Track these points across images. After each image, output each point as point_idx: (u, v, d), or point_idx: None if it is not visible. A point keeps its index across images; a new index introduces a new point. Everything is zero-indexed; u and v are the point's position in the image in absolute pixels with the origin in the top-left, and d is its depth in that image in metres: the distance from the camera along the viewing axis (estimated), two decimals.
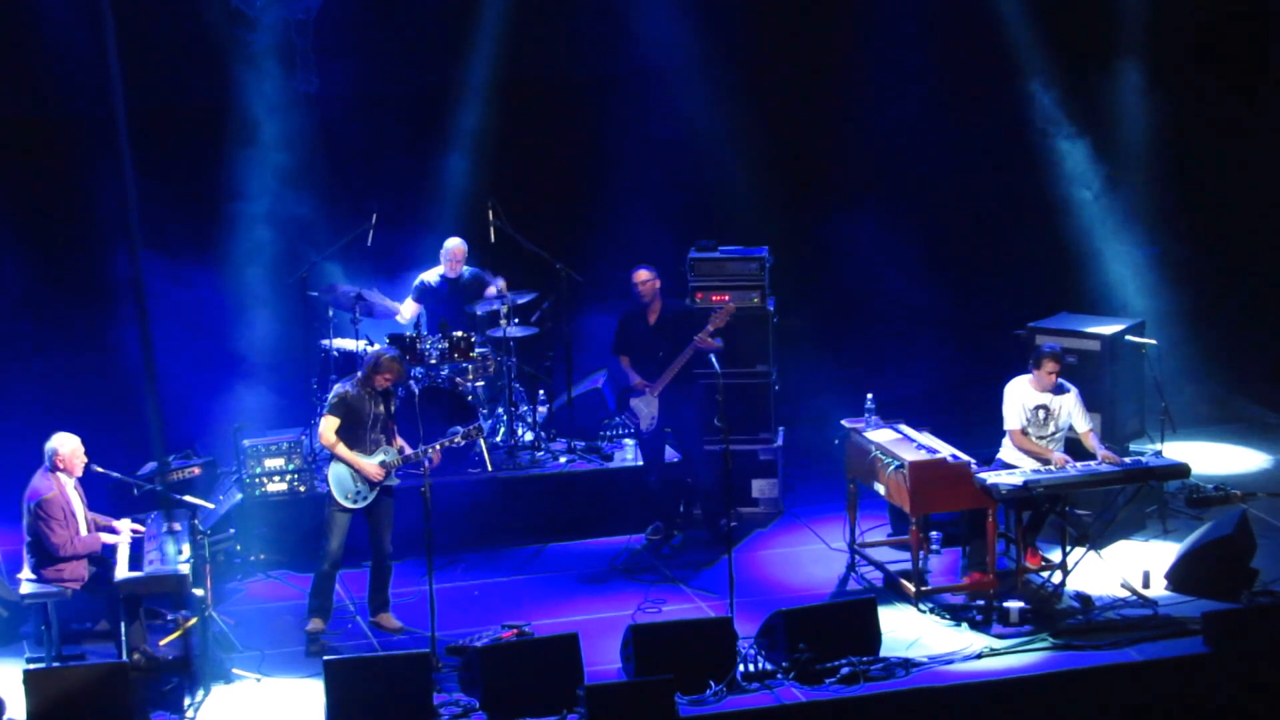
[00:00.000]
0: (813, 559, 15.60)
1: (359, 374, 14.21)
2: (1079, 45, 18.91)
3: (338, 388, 14.25)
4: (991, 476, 14.25)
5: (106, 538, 13.79)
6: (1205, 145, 19.19)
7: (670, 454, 16.19)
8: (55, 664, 13.35)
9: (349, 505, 14.13)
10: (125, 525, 14.01)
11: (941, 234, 19.31)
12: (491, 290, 16.64)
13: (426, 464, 14.10)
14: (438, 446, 14.42)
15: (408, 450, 14.29)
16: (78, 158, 17.15)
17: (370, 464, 14.09)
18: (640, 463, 16.24)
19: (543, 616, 14.41)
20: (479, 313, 16.75)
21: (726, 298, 16.42)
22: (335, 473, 14.16)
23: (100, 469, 13.89)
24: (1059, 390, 14.76)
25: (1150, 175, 19.16)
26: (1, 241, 17.11)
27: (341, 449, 14.07)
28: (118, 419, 16.53)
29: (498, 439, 16.69)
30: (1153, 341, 16.46)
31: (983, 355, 18.17)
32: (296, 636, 14.20)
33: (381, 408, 14.19)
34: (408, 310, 16.78)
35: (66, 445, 13.66)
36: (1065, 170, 18.82)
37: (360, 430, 14.12)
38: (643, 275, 15.74)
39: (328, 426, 14.11)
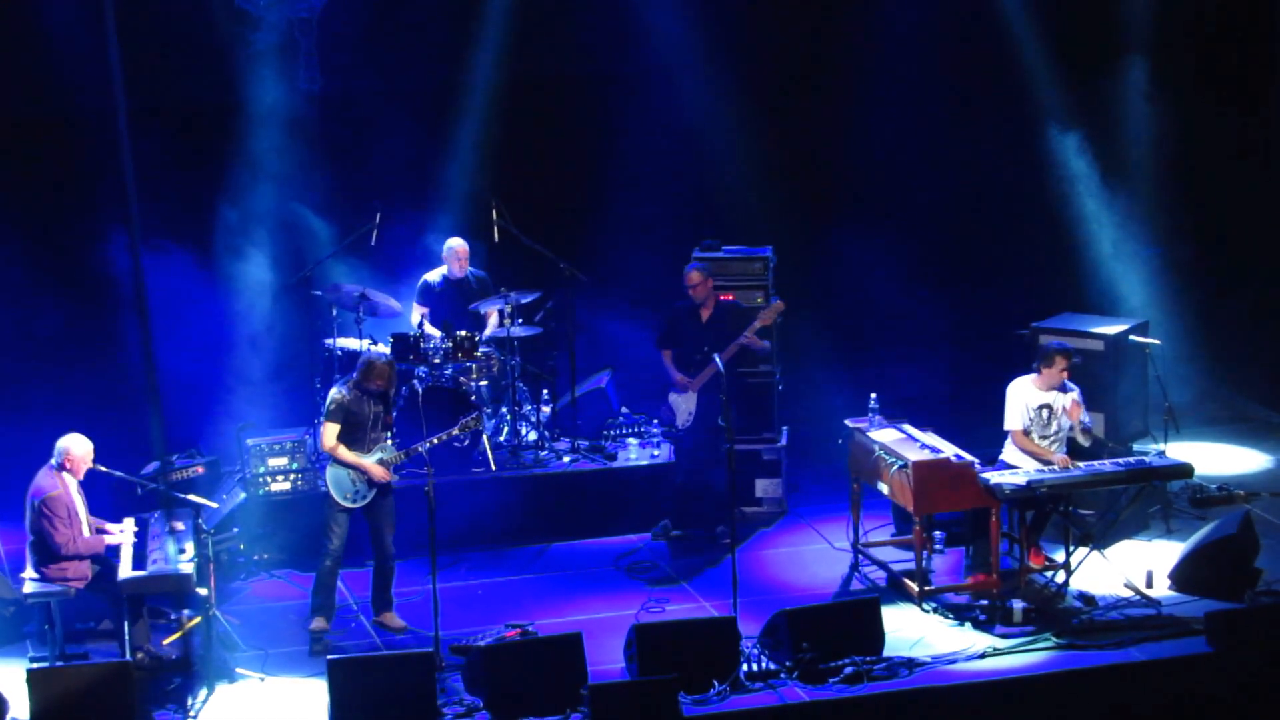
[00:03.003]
0: (816, 558, 15.60)
1: (352, 376, 14.23)
2: (1082, 46, 18.91)
3: (333, 393, 14.26)
4: (995, 476, 14.26)
5: (110, 539, 13.79)
6: (1208, 145, 19.18)
7: (670, 454, 16.21)
8: (58, 663, 13.36)
9: (348, 505, 14.15)
10: (128, 524, 14.03)
11: (945, 234, 19.29)
12: (493, 316, 16.67)
13: (424, 451, 14.13)
14: (436, 440, 14.43)
15: (406, 447, 14.31)
16: (80, 157, 17.14)
17: (375, 466, 14.10)
18: (643, 462, 16.26)
19: (546, 616, 14.41)
20: (482, 312, 16.77)
21: (731, 296, 16.42)
22: (333, 473, 14.17)
23: (104, 468, 13.90)
24: (1063, 390, 14.76)
25: (1154, 175, 19.15)
26: (3, 240, 17.10)
27: (344, 453, 14.08)
28: (121, 418, 16.52)
29: (501, 438, 16.70)
30: (1156, 341, 16.48)
31: (986, 355, 18.15)
32: (300, 636, 14.21)
33: (380, 406, 14.20)
34: (415, 316, 16.78)
35: (80, 447, 13.68)
36: (1069, 170, 18.81)
37: (360, 431, 14.14)
38: (694, 278, 15.67)
39: (328, 433, 14.13)
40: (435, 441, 14.45)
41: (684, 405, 15.69)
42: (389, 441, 14.28)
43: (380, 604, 14.44)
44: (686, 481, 15.91)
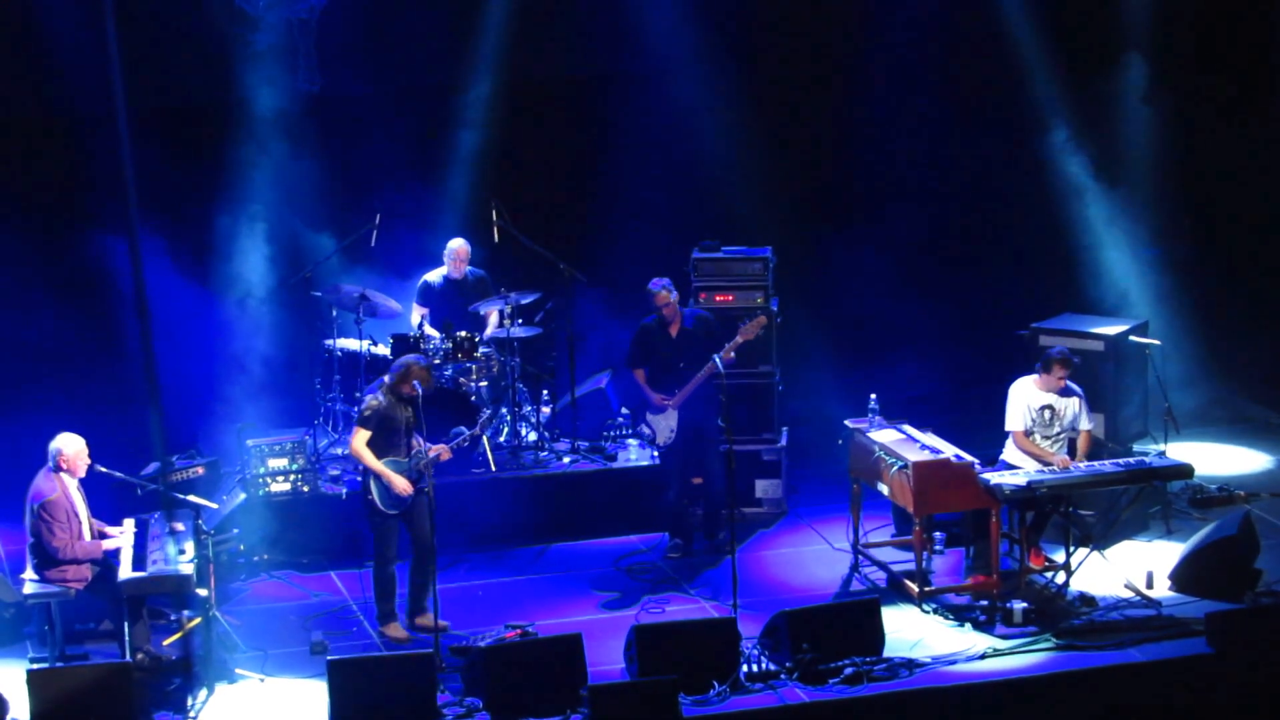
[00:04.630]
0: (816, 559, 15.59)
1: (386, 381, 14.13)
2: (1082, 46, 18.90)
3: (369, 399, 14.15)
4: (995, 477, 14.25)
5: (109, 544, 13.77)
6: (1208, 145, 19.18)
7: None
8: (58, 664, 13.36)
9: (392, 512, 14.06)
10: (128, 525, 14.02)
11: (945, 234, 19.29)
12: (493, 316, 16.68)
13: (429, 456, 14.11)
14: (463, 441, 14.64)
15: (432, 450, 14.26)
16: (80, 157, 17.14)
17: (397, 477, 14.00)
18: (643, 463, 16.26)
19: (546, 616, 14.40)
20: (482, 312, 16.77)
21: (730, 298, 16.41)
22: (379, 482, 14.07)
23: (104, 469, 13.89)
24: (1065, 393, 14.75)
25: (1153, 176, 19.13)
26: (9, 238, 17.09)
27: (371, 460, 13.98)
28: (121, 419, 16.50)
29: (501, 439, 16.68)
30: (1156, 342, 16.48)
31: (986, 355, 18.14)
32: (300, 636, 14.19)
33: (410, 411, 14.13)
34: (415, 317, 16.78)
35: (71, 446, 13.65)
36: (1068, 171, 18.79)
37: (395, 438, 14.04)
38: (663, 297, 15.35)
39: (358, 438, 14.04)
40: (464, 442, 14.65)
41: (664, 424, 15.51)
42: (419, 446, 14.20)
43: (417, 605, 14.35)
44: (680, 496, 15.75)
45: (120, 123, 14.80)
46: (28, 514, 13.58)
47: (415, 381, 13.99)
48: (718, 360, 14.89)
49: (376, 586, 14.23)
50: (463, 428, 15.02)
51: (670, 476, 15.76)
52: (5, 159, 17.43)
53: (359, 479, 14.38)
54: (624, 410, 16.98)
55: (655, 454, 15.96)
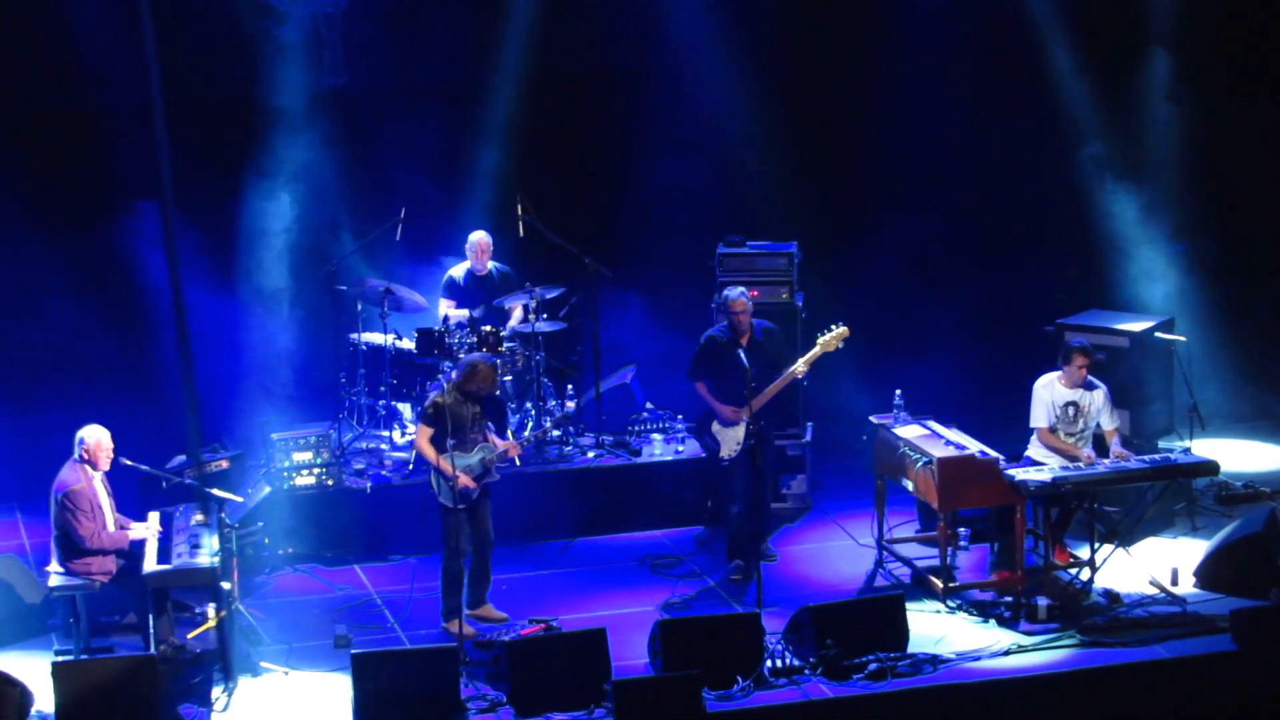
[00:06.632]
0: (841, 555, 15.58)
1: (453, 378, 14.12)
2: (1107, 41, 18.86)
3: (433, 395, 14.15)
4: (1020, 473, 14.23)
5: (133, 535, 13.79)
6: (1234, 141, 19.11)
7: (695, 449, 16.18)
8: (83, 656, 13.39)
9: (458, 506, 14.04)
10: (153, 519, 14.04)
11: (970, 230, 19.25)
12: (518, 311, 16.68)
13: (498, 451, 14.19)
14: (536, 436, 14.96)
15: (501, 444, 14.26)
16: (112, 151, 17.14)
17: (462, 475, 13.96)
18: (668, 458, 16.26)
19: (570, 611, 14.41)
20: (506, 307, 16.77)
21: (755, 293, 16.37)
22: (441, 476, 14.05)
23: (129, 462, 13.93)
24: (1089, 387, 14.73)
25: (1179, 172, 19.08)
26: (36, 233, 17.12)
27: (434, 456, 13.93)
28: (149, 412, 16.57)
29: (526, 434, 16.68)
30: (1182, 338, 16.43)
31: (1011, 352, 18.11)
32: (324, 630, 14.21)
33: (478, 407, 14.12)
34: (442, 309, 16.77)
35: (93, 435, 13.71)
36: (1094, 167, 18.75)
37: (460, 434, 13.98)
38: (741, 304, 14.94)
39: (422, 435, 14.00)
40: (536, 437, 15.19)
41: (732, 435, 15.08)
42: (488, 441, 14.19)
43: (477, 597, 14.35)
44: (744, 512, 15.22)
45: (157, 118, 14.78)
46: (52, 505, 13.62)
47: (483, 382, 13.99)
48: (742, 355, 14.71)
49: (444, 581, 14.19)
50: (488, 421, 14.99)
51: (736, 491, 15.22)
52: (38, 153, 17.43)
53: (425, 474, 14.39)
54: (648, 405, 16.97)
55: (720, 464, 15.79)
